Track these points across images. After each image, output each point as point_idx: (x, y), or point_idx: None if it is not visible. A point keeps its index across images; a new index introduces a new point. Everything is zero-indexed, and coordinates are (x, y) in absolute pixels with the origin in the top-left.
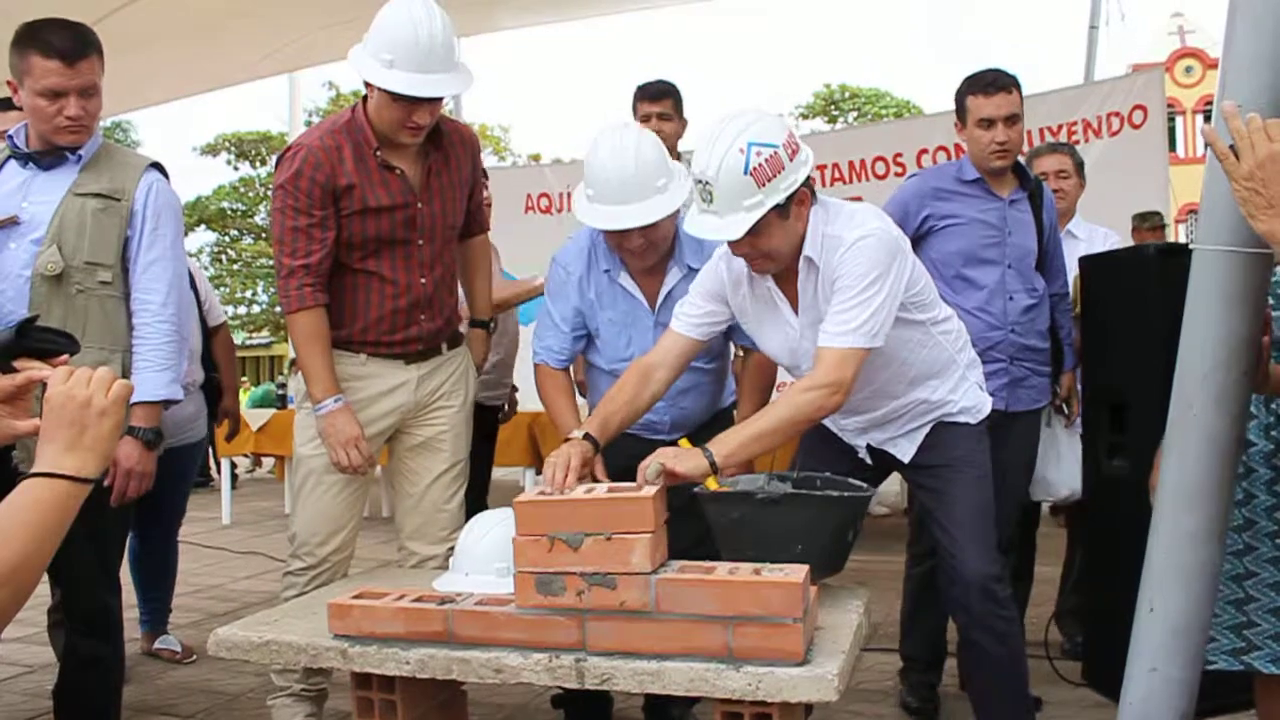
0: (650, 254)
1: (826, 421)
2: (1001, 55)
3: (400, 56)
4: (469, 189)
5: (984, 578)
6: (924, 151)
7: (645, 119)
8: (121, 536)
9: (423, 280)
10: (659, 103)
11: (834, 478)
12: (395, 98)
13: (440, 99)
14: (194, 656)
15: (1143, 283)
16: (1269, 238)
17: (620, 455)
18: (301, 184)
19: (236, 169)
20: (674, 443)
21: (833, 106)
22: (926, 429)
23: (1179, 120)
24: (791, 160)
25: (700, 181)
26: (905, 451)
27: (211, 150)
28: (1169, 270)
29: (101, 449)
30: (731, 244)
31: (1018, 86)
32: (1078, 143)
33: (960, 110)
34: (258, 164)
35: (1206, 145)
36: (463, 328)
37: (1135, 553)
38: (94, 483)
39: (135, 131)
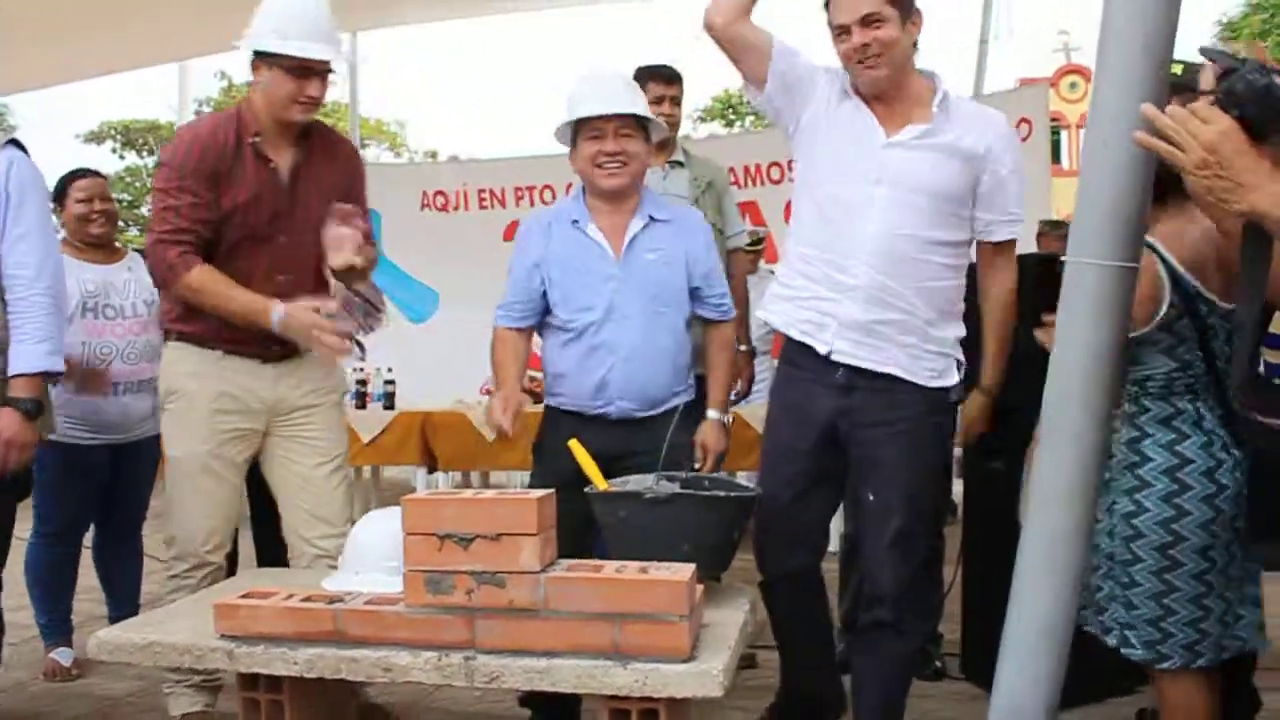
0: (623, 172)
1: (814, 312)
2: None
3: (293, 29)
4: (344, 197)
5: (901, 585)
6: None
7: (658, 101)
8: (3, 533)
9: (280, 278)
10: (673, 85)
11: (722, 478)
12: (289, 71)
13: (328, 74)
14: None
15: (1022, 290)
16: (1254, 216)
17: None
18: (189, 164)
19: (123, 158)
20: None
21: (730, 110)
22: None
23: (1064, 134)
24: None
25: None
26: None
27: (96, 138)
28: (1046, 278)
29: None
30: (857, 22)
31: None
32: None
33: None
34: (145, 153)
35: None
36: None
37: (1008, 550)
38: None
39: (12, 115)
